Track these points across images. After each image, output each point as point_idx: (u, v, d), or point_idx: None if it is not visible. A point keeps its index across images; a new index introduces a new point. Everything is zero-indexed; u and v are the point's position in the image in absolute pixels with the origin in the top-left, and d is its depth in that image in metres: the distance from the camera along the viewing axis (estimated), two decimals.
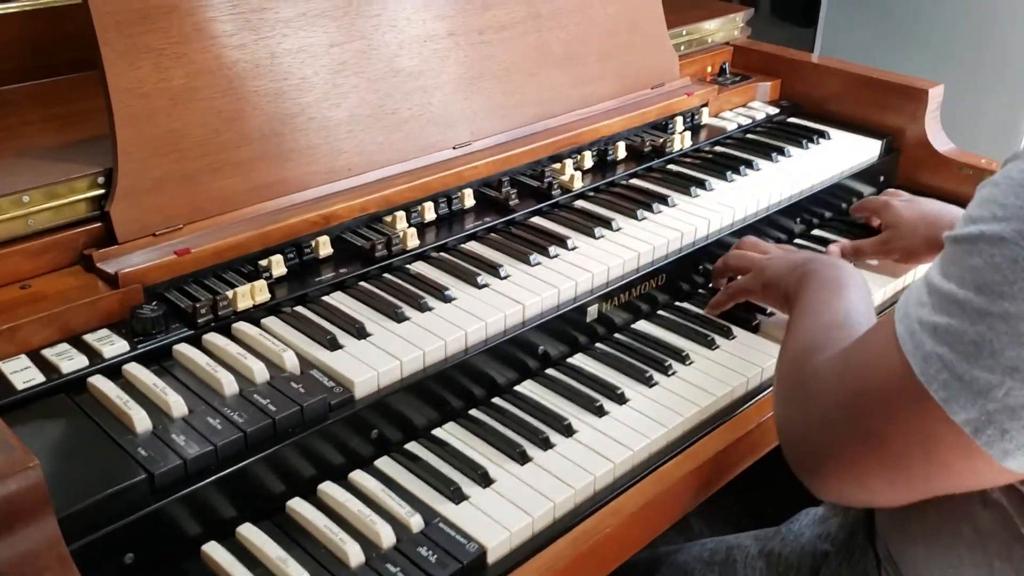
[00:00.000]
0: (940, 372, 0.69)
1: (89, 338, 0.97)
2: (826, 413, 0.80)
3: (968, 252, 0.69)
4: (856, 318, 0.95)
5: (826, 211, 1.55)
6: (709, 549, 1.12)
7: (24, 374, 0.91)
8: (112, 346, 0.95)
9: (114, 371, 0.94)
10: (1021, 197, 0.67)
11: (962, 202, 1.56)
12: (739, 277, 1.25)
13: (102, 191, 1.06)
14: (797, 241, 1.48)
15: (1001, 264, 0.66)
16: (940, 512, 0.86)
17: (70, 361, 0.93)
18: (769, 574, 1.06)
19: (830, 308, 0.98)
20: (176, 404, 0.88)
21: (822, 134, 1.64)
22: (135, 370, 0.93)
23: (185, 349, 0.97)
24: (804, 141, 1.60)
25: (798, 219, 1.49)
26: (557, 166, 1.42)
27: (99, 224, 1.05)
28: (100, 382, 0.91)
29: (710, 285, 1.33)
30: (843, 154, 1.60)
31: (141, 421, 0.86)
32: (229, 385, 0.92)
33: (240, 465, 0.86)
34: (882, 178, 1.65)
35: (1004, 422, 0.67)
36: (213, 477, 0.84)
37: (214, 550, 0.84)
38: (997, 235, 0.67)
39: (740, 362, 1.17)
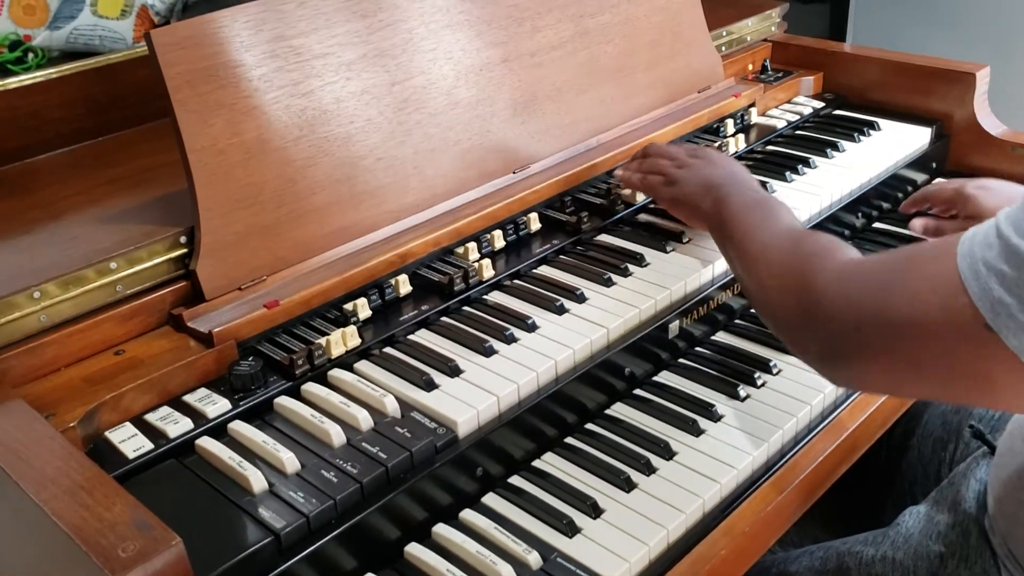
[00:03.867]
0: (1009, 320, 0.69)
1: (190, 399, 0.97)
2: (864, 325, 0.81)
3: None
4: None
5: (884, 203, 1.54)
6: (819, 558, 1.12)
7: (132, 442, 0.92)
8: (214, 406, 0.96)
9: (219, 431, 0.95)
10: None
11: (1018, 182, 1.57)
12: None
13: (184, 250, 1.07)
14: (857, 238, 1.47)
15: None
16: None
17: (175, 425, 0.93)
18: None
19: (781, 223, 1.04)
20: (289, 461, 0.89)
21: (872, 125, 1.63)
22: (241, 428, 0.94)
23: (286, 402, 0.97)
24: (855, 134, 1.59)
25: (859, 213, 1.48)
26: (618, 180, 1.41)
27: (184, 283, 1.06)
28: (209, 444, 0.92)
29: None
30: (895, 144, 1.59)
31: (258, 481, 0.86)
32: (337, 436, 0.92)
33: (359, 516, 0.86)
34: (934, 164, 1.64)
35: None
36: (335, 532, 0.85)
37: None
38: None
39: None
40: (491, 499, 0.98)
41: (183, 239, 1.07)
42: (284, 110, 1.10)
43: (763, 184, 1.41)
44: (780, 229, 1.03)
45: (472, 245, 1.22)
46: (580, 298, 1.16)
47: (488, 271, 1.20)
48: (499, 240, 1.26)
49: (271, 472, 0.89)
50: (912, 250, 0.83)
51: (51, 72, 1.35)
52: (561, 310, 1.14)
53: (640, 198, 1.38)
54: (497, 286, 1.20)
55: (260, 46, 1.09)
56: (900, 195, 1.56)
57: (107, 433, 0.93)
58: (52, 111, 1.34)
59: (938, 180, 1.61)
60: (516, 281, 1.22)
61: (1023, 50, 2.19)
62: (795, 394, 1.11)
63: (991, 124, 1.62)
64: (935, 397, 0.83)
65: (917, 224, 1.39)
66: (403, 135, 1.20)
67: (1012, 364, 0.70)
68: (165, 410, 0.96)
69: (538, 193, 1.32)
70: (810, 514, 1.43)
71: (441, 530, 0.92)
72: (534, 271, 1.24)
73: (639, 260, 1.23)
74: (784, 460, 1.04)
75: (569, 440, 1.06)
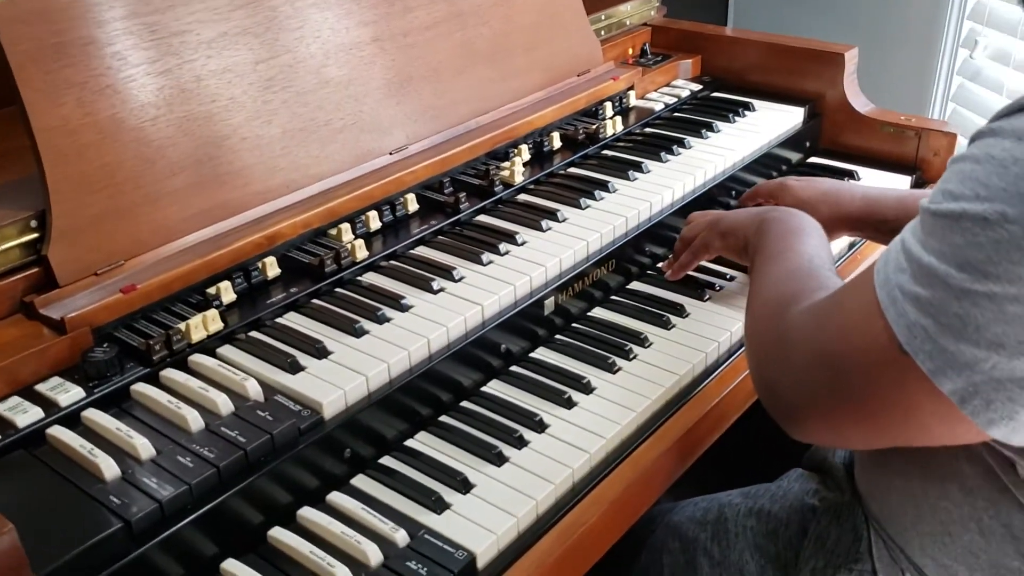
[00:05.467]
0: (925, 343, 0.70)
1: (41, 388, 0.93)
2: (803, 369, 0.82)
3: (949, 228, 0.69)
4: (819, 263, 0.98)
5: (759, 181, 1.57)
6: (702, 508, 1.14)
7: None
8: (67, 394, 0.92)
9: (72, 419, 0.91)
10: (1004, 178, 0.66)
11: (887, 158, 1.64)
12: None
13: (36, 235, 1.02)
14: None
15: (984, 244, 0.66)
16: (925, 475, 0.88)
17: (24, 414, 0.89)
18: (759, 531, 1.08)
19: (794, 254, 1.00)
20: (143, 446, 0.86)
21: (746, 106, 1.67)
22: (95, 416, 0.91)
23: (143, 388, 0.94)
24: (730, 115, 1.63)
25: (733, 192, 1.52)
26: (496, 162, 1.42)
27: (37, 269, 1.01)
28: (60, 432, 0.88)
29: (659, 266, 1.35)
30: (769, 124, 1.63)
31: (109, 468, 0.83)
32: (195, 421, 0.90)
33: (216, 501, 0.84)
34: (807, 143, 1.69)
35: (989, 393, 0.68)
36: (191, 517, 0.82)
37: None
38: (980, 215, 0.67)
39: (697, 338, 1.18)
40: (360, 480, 0.96)
41: (34, 223, 1.02)
42: (140, 89, 1.06)
43: (638, 166, 1.43)
44: (782, 268, 0.99)
45: (346, 226, 1.21)
46: (455, 277, 1.15)
47: (362, 252, 1.18)
48: (375, 221, 1.25)
49: (125, 459, 0.86)
50: (842, 288, 0.84)
51: None
52: (436, 289, 1.13)
53: (519, 178, 1.38)
54: (372, 267, 1.19)
55: (113, 23, 1.05)
56: (775, 173, 1.60)
57: None
58: None
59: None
60: (392, 262, 1.21)
61: (892, 31, 2.28)
62: (666, 366, 1.13)
63: (860, 103, 1.67)
64: (880, 442, 0.81)
65: None
66: (269, 115, 1.17)
67: (931, 390, 0.70)
68: (15, 400, 0.92)
69: (415, 174, 1.31)
70: (712, 467, 1.45)
71: (306, 513, 0.90)
72: (411, 252, 1.23)
73: (516, 239, 1.24)
74: (654, 429, 1.05)
75: (444, 418, 1.05)
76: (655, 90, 1.73)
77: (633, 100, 1.66)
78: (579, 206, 1.33)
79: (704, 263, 1.32)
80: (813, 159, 1.67)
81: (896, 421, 0.75)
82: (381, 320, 1.07)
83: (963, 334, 0.68)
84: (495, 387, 1.11)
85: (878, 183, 1.55)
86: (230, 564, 0.85)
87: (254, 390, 0.95)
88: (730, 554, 1.10)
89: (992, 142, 0.69)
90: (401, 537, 0.88)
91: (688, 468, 1.08)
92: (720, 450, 1.14)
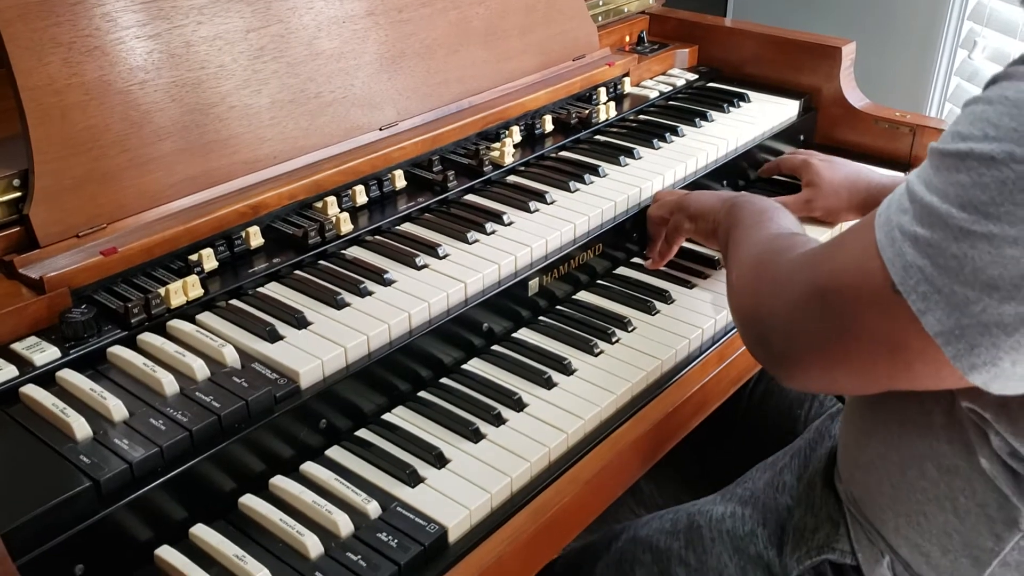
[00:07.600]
0: (920, 284, 0.69)
1: (18, 347, 0.93)
2: (797, 307, 0.81)
3: (955, 167, 0.69)
4: (800, 233, 0.99)
5: (751, 171, 1.57)
6: (669, 520, 1.13)
7: None
8: (43, 353, 0.92)
9: (47, 379, 0.91)
10: (1016, 119, 0.66)
11: (880, 154, 1.63)
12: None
13: (18, 194, 1.01)
14: None
15: (989, 184, 0.66)
16: (903, 454, 0.88)
17: None
18: (736, 533, 1.07)
19: (774, 224, 1.01)
20: (116, 408, 0.86)
21: (742, 97, 1.66)
22: (69, 376, 0.90)
23: (120, 351, 0.94)
24: (725, 105, 1.62)
25: (724, 181, 1.51)
26: (487, 142, 1.41)
27: (18, 228, 1.01)
28: (33, 391, 0.88)
29: (645, 252, 1.34)
30: (763, 116, 1.62)
31: (81, 428, 0.83)
32: (170, 385, 0.89)
33: (188, 465, 0.84)
34: (802, 137, 1.68)
35: (975, 337, 0.68)
36: (161, 479, 0.82)
37: (167, 554, 0.82)
38: (987, 155, 0.66)
39: (681, 325, 1.18)
40: (335, 452, 0.96)
41: (16, 182, 1.01)
42: (129, 52, 1.05)
43: (629, 152, 1.43)
44: (765, 232, 1.00)
45: (331, 199, 1.20)
46: (440, 254, 1.15)
47: (347, 226, 1.17)
48: (361, 196, 1.24)
49: (98, 420, 0.85)
50: (842, 232, 0.84)
51: None
52: (420, 265, 1.13)
53: (509, 160, 1.38)
54: (356, 241, 1.18)
55: None
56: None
57: None
58: None
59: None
60: (377, 237, 1.20)
61: (891, 30, 2.27)
62: (649, 350, 1.12)
63: (855, 97, 1.67)
64: (869, 385, 0.81)
65: None
66: (259, 84, 1.16)
67: (919, 330, 0.70)
68: None
69: (404, 151, 1.31)
70: (676, 478, 1.46)
71: (278, 481, 0.90)
72: (396, 227, 1.23)
73: (503, 219, 1.23)
74: (633, 412, 1.05)
75: (422, 394, 1.05)
76: (651, 78, 1.73)
77: (628, 87, 1.65)
78: (568, 189, 1.32)
79: (695, 250, 1.32)
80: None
81: (883, 361, 0.75)
82: (363, 293, 1.07)
83: (959, 275, 0.67)
84: (475, 365, 1.10)
85: None
86: (199, 529, 0.84)
87: (231, 357, 0.94)
88: (708, 559, 1.08)
89: (1007, 85, 0.69)
90: (373, 508, 0.88)
91: (653, 484, 1.08)
92: (685, 467, 1.13)
